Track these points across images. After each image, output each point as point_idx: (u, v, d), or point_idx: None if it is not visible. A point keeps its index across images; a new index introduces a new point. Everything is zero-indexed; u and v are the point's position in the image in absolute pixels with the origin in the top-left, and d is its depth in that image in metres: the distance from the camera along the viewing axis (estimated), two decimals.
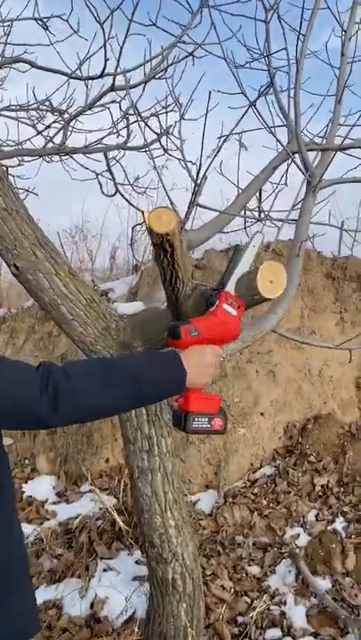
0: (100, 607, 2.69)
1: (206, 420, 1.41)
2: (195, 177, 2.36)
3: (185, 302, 1.58)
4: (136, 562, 2.98)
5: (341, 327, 4.23)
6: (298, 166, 2.94)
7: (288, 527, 3.15)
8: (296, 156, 3.02)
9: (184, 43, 3.14)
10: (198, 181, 2.28)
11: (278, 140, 3.02)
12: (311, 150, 2.87)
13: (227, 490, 3.49)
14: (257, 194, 3.01)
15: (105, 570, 2.92)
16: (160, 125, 3.69)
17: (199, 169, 2.30)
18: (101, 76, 2.85)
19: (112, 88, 3.48)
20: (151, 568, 2.31)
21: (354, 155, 3.03)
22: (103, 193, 4.76)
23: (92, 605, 2.71)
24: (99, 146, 3.85)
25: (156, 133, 3.62)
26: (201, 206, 2.33)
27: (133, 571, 2.89)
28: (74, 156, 4.24)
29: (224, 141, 2.31)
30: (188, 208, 2.28)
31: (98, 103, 3.63)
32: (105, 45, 2.64)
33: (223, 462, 3.60)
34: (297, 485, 3.41)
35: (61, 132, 3.63)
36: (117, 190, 4.41)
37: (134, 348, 2.08)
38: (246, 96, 3.05)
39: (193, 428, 1.39)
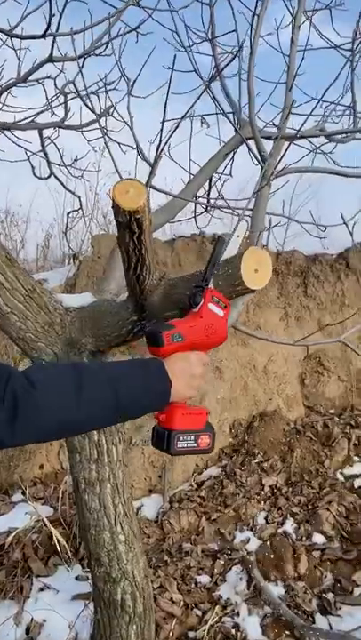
0: (38, 632, 2.42)
1: (192, 438, 1.20)
2: (146, 156, 2.14)
3: (151, 294, 1.37)
4: (76, 578, 2.72)
5: (286, 322, 4.16)
6: (253, 153, 2.80)
7: (237, 531, 3.02)
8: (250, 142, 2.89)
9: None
10: (154, 160, 2.05)
11: (233, 124, 2.86)
12: (266, 138, 2.73)
13: (172, 494, 3.31)
14: (206, 182, 2.84)
15: (42, 589, 2.65)
16: (100, 105, 3.41)
17: (159, 148, 2.07)
18: (44, 35, 2.54)
19: (50, 59, 3.17)
20: (97, 588, 2.08)
21: (303, 146, 2.94)
22: (35, 175, 4.40)
23: (27, 630, 2.43)
24: (32, 123, 3.52)
25: (95, 114, 3.34)
26: (156, 189, 2.11)
27: (74, 588, 2.64)
28: (5, 132, 3.87)
29: (181, 119, 2.09)
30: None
31: (32, 77, 3.31)
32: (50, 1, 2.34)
33: (168, 464, 3.41)
34: (245, 486, 3.29)
35: None
36: (52, 172, 4.08)
37: (83, 345, 1.84)
38: (200, 76, 2.86)
39: (178, 450, 1.18)
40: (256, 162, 2.67)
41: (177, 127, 2.03)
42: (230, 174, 3.21)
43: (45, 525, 2.87)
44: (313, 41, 3.07)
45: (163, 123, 2.17)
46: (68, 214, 4.09)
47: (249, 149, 2.89)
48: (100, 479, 1.98)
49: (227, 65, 2.88)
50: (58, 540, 2.82)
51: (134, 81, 2.85)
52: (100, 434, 1.94)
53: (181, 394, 1.15)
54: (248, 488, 3.28)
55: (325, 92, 2.48)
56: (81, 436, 1.94)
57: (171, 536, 3.00)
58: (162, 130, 2.11)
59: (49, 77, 3.63)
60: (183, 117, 2.09)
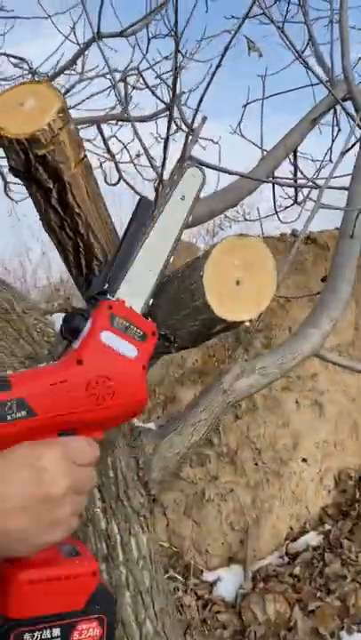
0: None
1: (57, 633, 0.60)
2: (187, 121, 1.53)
3: None
4: None
5: None
6: (350, 116, 2.08)
7: (344, 632, 2.21)
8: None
9: None
10: (193, 120, 1.43)
11: (320, 79, 2.14)
12: None
13: (257, 568, 2.58)
14: (291, 156, 2.15)
15: None
16: (169, 90, 2.87)
17: (198, 108, 1.45)
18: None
19: (98, 35, 2.71)
20: None
21: None
22: (107, 182, 3.98)
23: None
24: (89, 116, 3.07)
25: (164, 102, 2.79)
26: (203, 164, 1.47)
27: None
28: None
29: (224, 52, 1.43)
30: (178, 163, 1.43)
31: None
32: None
33: (252, 527, 2.69)
34: (355, 565, 2.46)
35: None
36: (121, 176, 3.61)
37: None
38: (271, 19, 2.19)
39: None
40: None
41: (218, 65, 1.38)
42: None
43: None
44: None
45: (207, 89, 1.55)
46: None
47: (347, 113, 2.18)
48: (113, 584, 1.35)
49: None
50: None
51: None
52: (108, 518, 1.33)
53: (26, 542, 0.57)
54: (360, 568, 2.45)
55: None
56: (83, 522, 1.34)
57: (252, 629, 2.27)
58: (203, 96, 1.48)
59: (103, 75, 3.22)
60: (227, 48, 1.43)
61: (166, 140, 1.19)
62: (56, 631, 0.59)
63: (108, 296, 0.66)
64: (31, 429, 0.60)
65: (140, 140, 1.56)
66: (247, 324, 0.60)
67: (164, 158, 1.22)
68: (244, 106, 2.71)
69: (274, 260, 0.61)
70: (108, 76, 3.31)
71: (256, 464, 2.82)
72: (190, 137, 1.51)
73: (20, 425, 0.59)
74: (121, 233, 0.66)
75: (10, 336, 1.28)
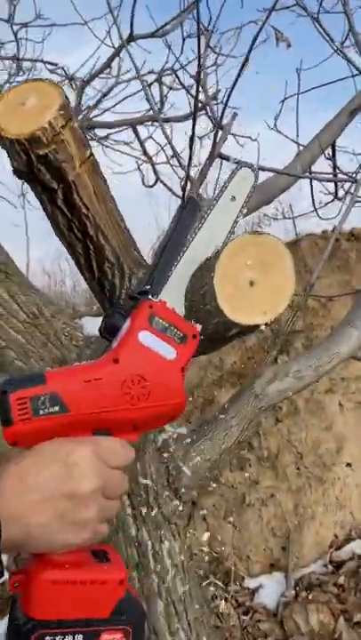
0: None
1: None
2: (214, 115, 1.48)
3: None
4: None
5: None
6: None
7: None
8: None
9: None
10: (221, 116, 1.39)
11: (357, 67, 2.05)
12: None
13: (299, 576, 2.49)
14: (329, 150, 2.07)
15: None
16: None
17: (227, 100, 1.40)
18: None
19: (131, 38, 2.70)
20: None
21: None
22: (144, 184, 3.98)
23: None
24: (126, 118, 3.08)
25: (200, 102, 2.76)
26: (226, 159, 1.43)
27: None
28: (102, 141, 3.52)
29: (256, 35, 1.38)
30: (207, 160, 1.39)
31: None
32: None
33: (294, 533, 2.61)
34: None
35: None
36: (158, 178, 3.61)
37: None
38: (306, 9, 2.11)
39: None
40: None
41: (251, 50, 1.32)
42: None
43: None
44: None
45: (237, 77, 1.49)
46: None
47: None
48: (144, 593, 1.33)
49: None
50: None
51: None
52: (138, 525, 1.30)
53: (47, 539, 0.55)
54: None
55: None
56: (113, 526, 1.32)
57: None
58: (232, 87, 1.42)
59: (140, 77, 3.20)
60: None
61: (192, 139, 1.16)
62: (79, 638, 0.57)
63: (150, 296, 0.64)
64: (64, 425, 0.59)
65: (170, 142, 1.53)
66: (263, 327, 0.56)
67: (190, 157, 1.19)
68: (282, 101, 2.64)
69: (291, 259, 0.57)
70: (144, 79, 3.31)
71: (298, 469, 2.74)
72: (220, 133, 1.47)
73: (53, 420, 0.58)
74: (158, 234, 0.63)
75: (38, 340, 1.28)
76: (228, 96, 1.36)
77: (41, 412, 0.57)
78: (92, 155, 0.62)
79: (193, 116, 1.25)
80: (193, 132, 1.17)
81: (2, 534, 0.50)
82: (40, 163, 0.60)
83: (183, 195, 1.20)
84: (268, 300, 0.56)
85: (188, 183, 1.27)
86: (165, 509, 1.31)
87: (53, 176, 0.62)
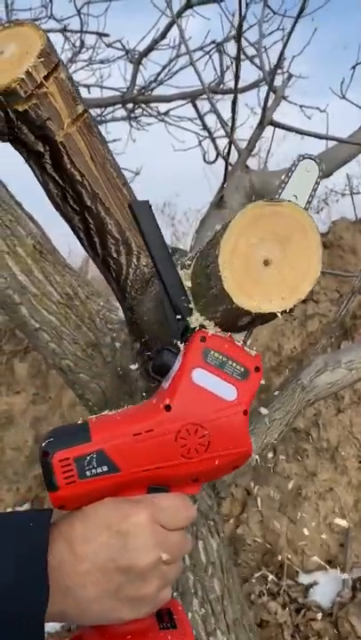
0: None
1: None
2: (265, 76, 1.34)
3: (141, 299, 0.63)
4: None
5: None
6: None
7: None
8: None
9: None
10: (273, 79, 1.25)
11: None
12: None
13: (357, 576, 2.35)
14: None
15: None
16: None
17: (278, 60, 1.26)
18: None
19: (188, 4, 2.57)
20: None
21: None
22: (205, 160, 3.89)
23: None
24: (182, 91, 2.97)
25: (263, 70, 2.61)
26: (278, 126, 1.29)
27: None
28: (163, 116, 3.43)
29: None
30: (257, 128, 1.26)
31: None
32: None
33: (353, 530, 2.46)
34: None
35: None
36: (219, 153, 3.48)
37: (135, 381, 1.17)
38: None
39: None
40: None
41: (299, 15, 1.17)
42: None
43: None
44: None
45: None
46: None
47: None
48: (180, 591, 1.27)
49: None
50: None
51: None
52: None
53: (100, 614, 0.48)
54: None
55: None
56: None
57: None
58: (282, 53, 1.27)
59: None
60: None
61: (234, 102, 1.04)
62: None
63: (201, 324, 0.55)
64: (115, 485, 0.52)
65: (219, 115, 1.41)
66: (279, 315, 0.46)
67: (233, 122, 1.07)
68: (353, 67, 2.44)
69: (317, 233, 0.46)
70: (206, 49, 3.17)
71: (360, 462, 2.58)
72: (272, 97, 1.33)
73: (102, 481, 0.51)
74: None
75: (72, 322, 1.23)
76: (280, 57, 1.22)
77: (88, 474, 0.51)
78: (85, 111, 0.53)
79: (235, 75, 1.13)
80: (235, 96, 1.05)
81: (47, 606, 0.43)
82: (20, 121, 0.52)
83: (226, 166, 1.09)
84: (288, 282, 0.45)
85: (234, 151, 1.16)
86: (202, 505, 1.23)
87: (38, 137, 0.54)
